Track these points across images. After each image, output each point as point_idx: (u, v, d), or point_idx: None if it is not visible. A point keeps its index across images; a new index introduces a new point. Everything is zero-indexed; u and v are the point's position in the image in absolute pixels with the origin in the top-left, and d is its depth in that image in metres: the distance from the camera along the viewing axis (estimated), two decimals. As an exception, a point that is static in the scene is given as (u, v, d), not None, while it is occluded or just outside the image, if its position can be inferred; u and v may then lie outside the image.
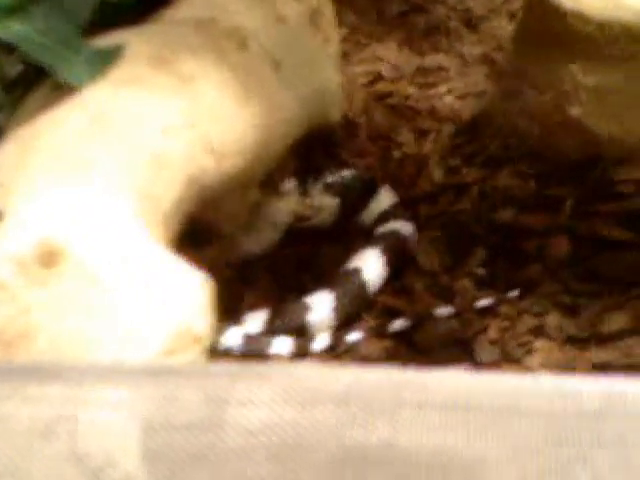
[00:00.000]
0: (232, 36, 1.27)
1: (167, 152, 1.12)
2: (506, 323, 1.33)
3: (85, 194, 1.04)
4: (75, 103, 1.11)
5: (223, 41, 1.26)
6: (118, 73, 1.14)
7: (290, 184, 1.40)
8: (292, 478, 0.63)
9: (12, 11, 1.13)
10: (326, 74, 1.50)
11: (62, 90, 1.12)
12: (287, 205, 1.37)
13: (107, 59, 1.14)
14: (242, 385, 0.68)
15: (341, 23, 1.85)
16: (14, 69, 1.23)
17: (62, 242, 0.98)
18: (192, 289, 1.04)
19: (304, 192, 1.42)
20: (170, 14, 1.32)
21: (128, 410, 0.78)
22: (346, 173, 1.50)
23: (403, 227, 1.45)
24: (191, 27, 1.25)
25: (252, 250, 1.37)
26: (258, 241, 1.37)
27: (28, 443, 0.79)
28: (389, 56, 1.78)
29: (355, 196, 1.47)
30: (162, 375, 0.75)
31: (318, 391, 0.66)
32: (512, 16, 1.82)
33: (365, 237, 1.45)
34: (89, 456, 0.79)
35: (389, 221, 1.46)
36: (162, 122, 1.13)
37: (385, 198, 1.49)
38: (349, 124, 1.65)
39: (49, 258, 0.96)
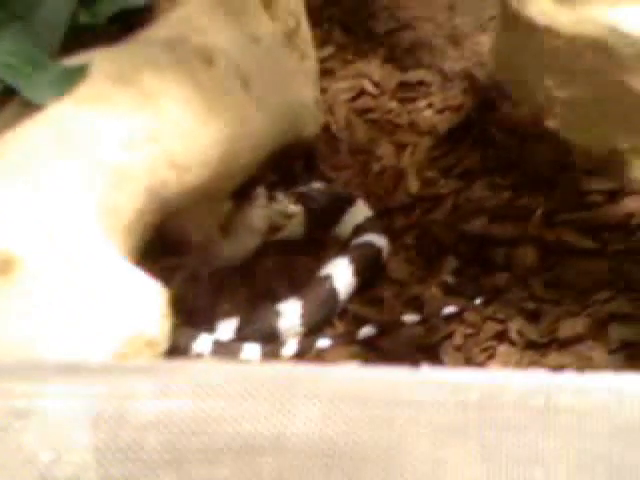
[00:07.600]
0: (200, 54, 1.32)
1: (128, 166, 1.17)
2: (471, 329, 1.36)
3: (46, 206, 1.09)
4: (39, 120, 1.17)
5: (191, 59, 1.31)
6: (82, 91, 1.20)
7: (259, 191, 1.44)
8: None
9: (-19, 33, 1.19)
10: (301, 90, 1.54)
11: (29, 108, 1.18)
12: (259, 210, 1.42)
13: (72, 78, 1.19)
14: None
15: (329, 41, 1.91)
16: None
17: (19, 252, 1.03)
18: (147, 297, 1.08)
19: (271, 198, 1.46)
20: (145, 34, 1.38)
21: (82, 404, 0.82)
22: (316, 186, 1.54)
23: (376, 240, 1.49)
24: (160, 46, 1.30)
25: (234, 256, 1.42)
26: (239, 247, 1.41)
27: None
28: (372, 72, 1.81)
29: (321, 208, 1.50)
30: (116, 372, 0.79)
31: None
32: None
33: (339, 249, 1.49)
34: (39, 451, 0.83)
35: (363, 234, 1.49)
36: (124, 137, 1.18)
37: (360, 212, 1.52)
38: (331, 139, 1.68)
39: (5, 266, 1.01)
